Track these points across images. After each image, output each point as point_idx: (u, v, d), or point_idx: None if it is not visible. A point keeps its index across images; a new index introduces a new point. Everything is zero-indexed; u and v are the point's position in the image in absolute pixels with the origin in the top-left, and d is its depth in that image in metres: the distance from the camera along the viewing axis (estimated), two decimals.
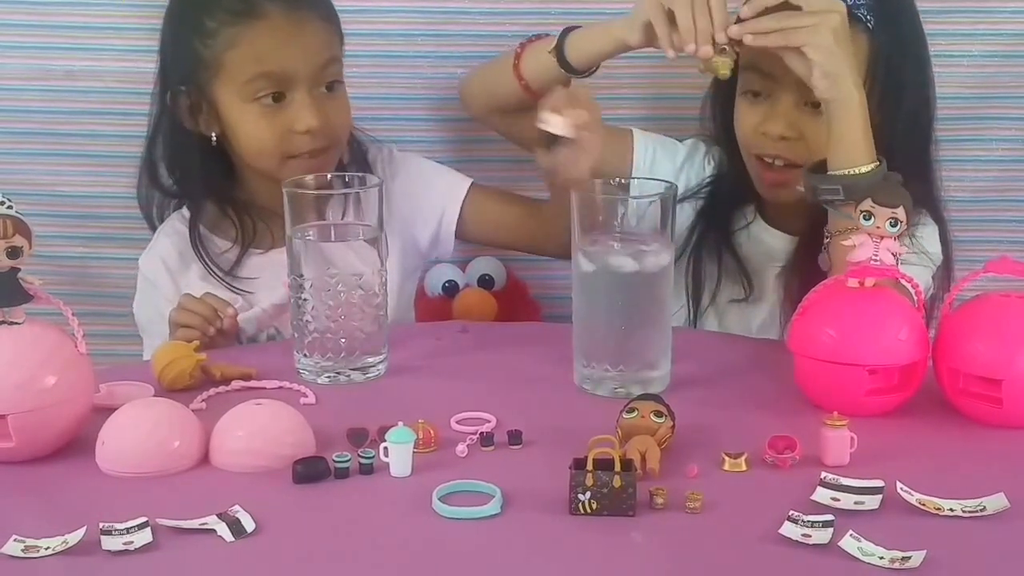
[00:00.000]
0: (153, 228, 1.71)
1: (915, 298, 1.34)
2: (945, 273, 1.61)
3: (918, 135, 1.59)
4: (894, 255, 1.27)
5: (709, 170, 1.71)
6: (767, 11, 1.41)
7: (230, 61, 1.56)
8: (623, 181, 1.42)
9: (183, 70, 1.60)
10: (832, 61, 1.38)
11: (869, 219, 1.26)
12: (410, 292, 1.75)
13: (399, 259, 1.66)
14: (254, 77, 1.56)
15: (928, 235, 1.57)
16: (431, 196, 1.69)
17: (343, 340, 1.38)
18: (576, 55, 1.57)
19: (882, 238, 1.26)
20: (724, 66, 1.44)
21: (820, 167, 1.42)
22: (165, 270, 1.66)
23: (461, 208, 1.70)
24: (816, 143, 1.53)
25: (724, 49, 1.43)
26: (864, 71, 1.51)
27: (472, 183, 1.72)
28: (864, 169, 1.38)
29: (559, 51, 1.57)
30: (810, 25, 1.38)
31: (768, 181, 1.60)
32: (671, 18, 1.43)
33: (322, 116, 1.57)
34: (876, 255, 1.26)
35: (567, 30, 1.59)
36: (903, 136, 1.50)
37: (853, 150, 1.39)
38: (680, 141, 1.74)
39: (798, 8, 1.39)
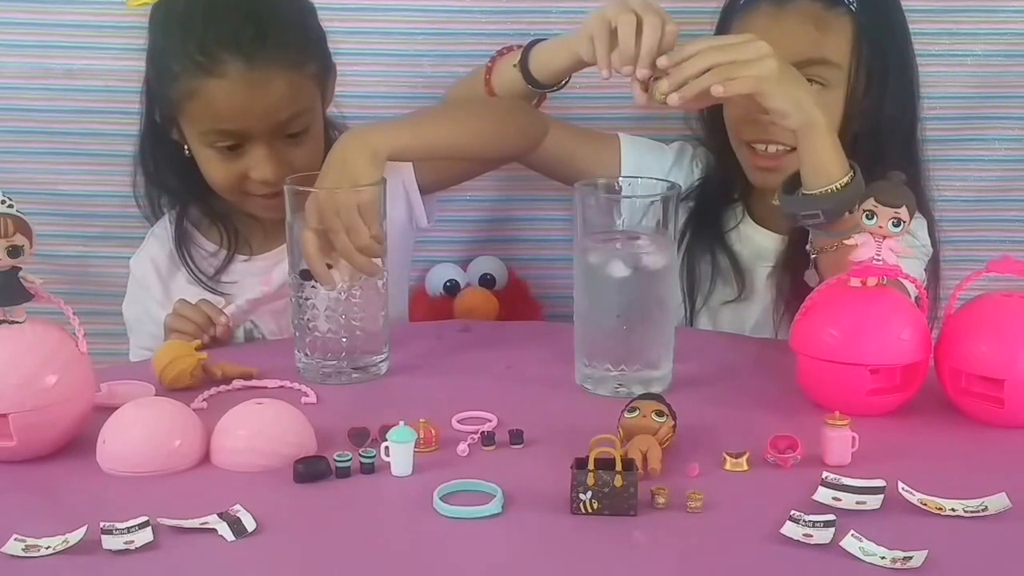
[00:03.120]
0: (151, 223, 1.71)
1: (917, 297, 1.34)
2: (933, 268, 1.61)
3: (904, 125, 1.59)
4: (896, 255, 1.27)
5: (697, 173, 1.71)
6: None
7: (189, 109, 1.52)
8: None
9: (155, 94, 1.59)
10: (791, 95, 1.35)
11: (872, 218, 1.26)
12: (400, 272, 1.71)
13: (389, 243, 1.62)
14: (209, 131, 1.52)
15: (917, 228, 1.57)
16: (389, 170, 1.56)
17: (344, 339, 1.37)
18: (538, 68, 1.55)
19: (884, 238, 1.26)
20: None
21: (791, 185, 1.41)
22: (155, 272, 1.67)
23: (413, 167, 1.64)
24: None
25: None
26: (849, 53, 1.54)
27: None
28: (840, 183, 1.37)
29: (524, 65, 1.55)
30: (750, 60, 1.34)
31: (759, 165, 1.60)
32: (614, 35, 1.39)
33: (280, 167, 1.52)
34: (878, 255, 1.26)
35: (533, 43, 1.56)
36: (890, 123, 1.49)
37: (826, 169, 1.38)
38: (667, 144, 1.73)
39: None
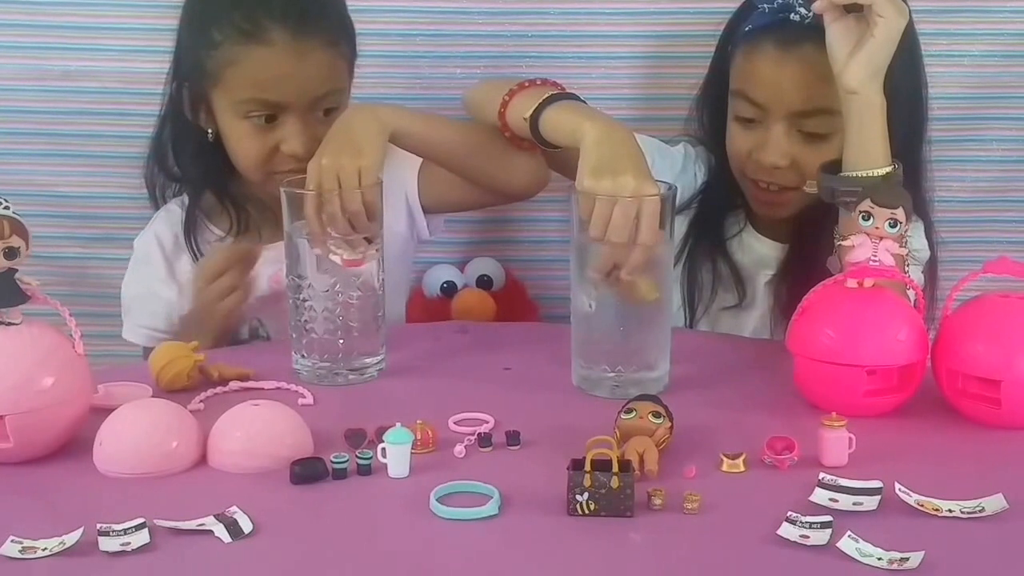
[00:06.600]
0: (156, 207, 1.71)
1: (914, 299, 1.34)
2: (930, 272, 1.61)
3: (912, 132, 1.58)
4: (894, 256, 1.27)
5: (700, 176, 1.70)
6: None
7: (229, 77, 1.55)
8: None
9: (188, 68, 1.61)
10: (883, 55, 1.38)
11: (868, 219, 1.26)
12: (399, 278, 1.72)
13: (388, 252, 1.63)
14: (248, 99, 1.55)
15: (914, 232, 1.56)
16: (392, 181, 1.55)
17: (341, 341, 1.37)
18: (546, 131, 1.46)
19: (881, 239, 1.26)
20: (651, 290, 1.31)
21: (832, 168, 1.41)
22: (159, 248, 1.67)
23: (417, 183, 1.66)
24: (808, 168, 1.52)
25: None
26: None
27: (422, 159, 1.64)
28: (882, 172, 1.38)
29: (534, 120, 1.46)
30: (887, 16, 1.37)
31: (760, 200, 1.61)
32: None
33: (311, 143, 1.53)
34: (875, 255, 1.26)
35: (554, 97, 1.46)
36: (898, 133, 1.49)
37: (873, 151, 1.39)
38: (671, 144, 1.72)
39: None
